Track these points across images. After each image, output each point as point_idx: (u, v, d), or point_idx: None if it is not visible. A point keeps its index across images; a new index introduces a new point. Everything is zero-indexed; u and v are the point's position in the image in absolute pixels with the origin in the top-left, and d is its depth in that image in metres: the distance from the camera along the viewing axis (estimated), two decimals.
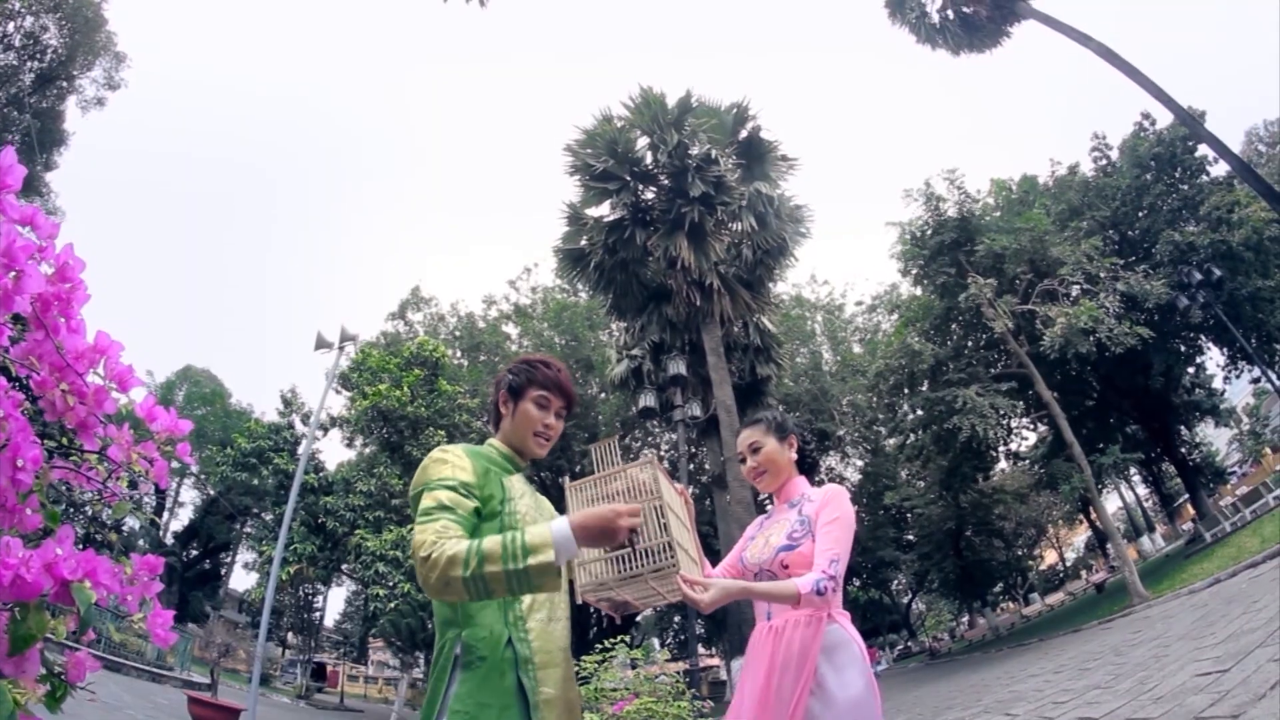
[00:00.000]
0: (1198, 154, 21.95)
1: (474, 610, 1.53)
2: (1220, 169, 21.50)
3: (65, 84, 26.84)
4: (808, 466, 2.33)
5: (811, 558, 1.99)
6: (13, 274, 0.97)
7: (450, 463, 1.60)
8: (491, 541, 1.35)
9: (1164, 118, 21.54)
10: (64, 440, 1.21)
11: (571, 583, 1.67)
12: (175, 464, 1.29)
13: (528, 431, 1.79)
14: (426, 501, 1.50)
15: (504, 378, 1.86)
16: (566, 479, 1.80)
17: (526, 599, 1.60)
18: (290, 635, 42.17)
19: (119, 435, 1.18)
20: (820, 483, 2.32)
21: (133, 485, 1.24)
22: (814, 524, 2.04)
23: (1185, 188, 22.54)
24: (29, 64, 25.62)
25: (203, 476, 36.25)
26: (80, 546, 1.06)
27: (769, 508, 2.33)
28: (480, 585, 1.34)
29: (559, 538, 1.36)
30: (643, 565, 1.57)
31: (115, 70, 27.54)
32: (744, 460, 2.30)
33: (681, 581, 1.63)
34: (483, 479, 1.62)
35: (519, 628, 1.55)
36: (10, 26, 24.62)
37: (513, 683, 1.49)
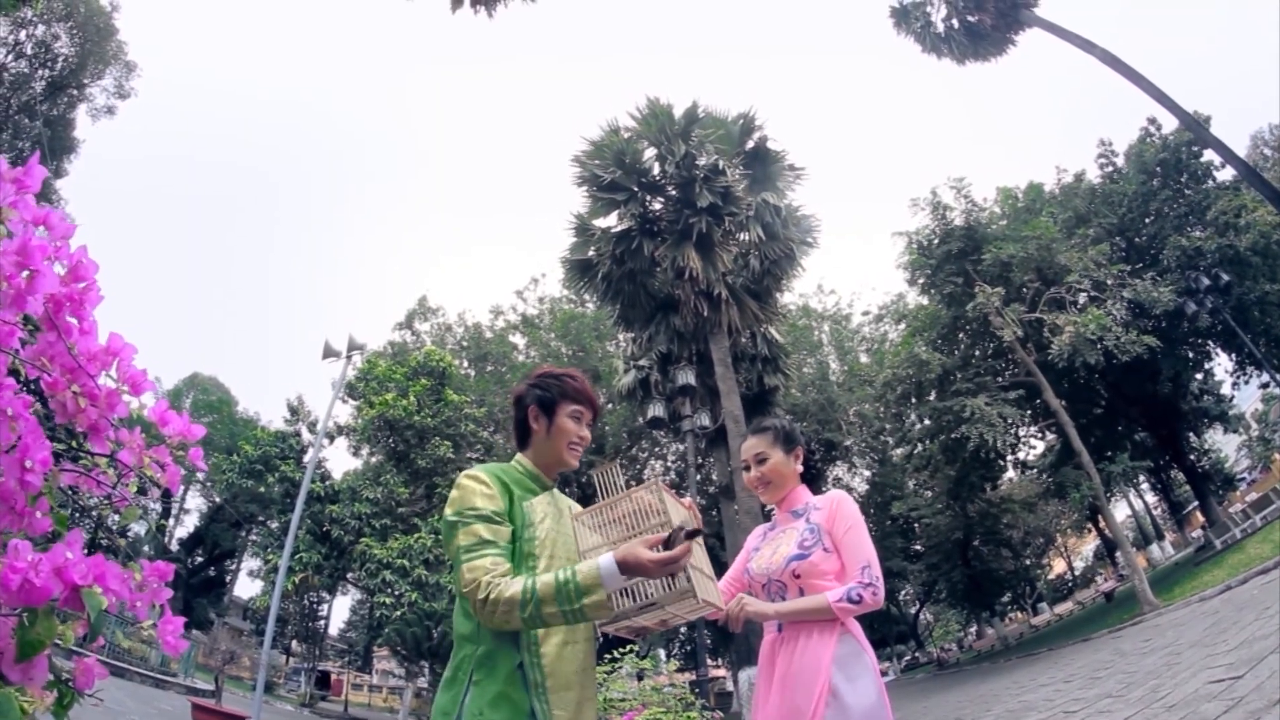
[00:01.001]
0: (1204, 159, 21.92)
1: (493, 630, 1.54)
2: (1226, 174, 21.47)
3: (76, 92, 27.09)
4: (811, 476, 2.30)
5: (823, 566, 1.98)
6: (26, 273, 0.96)
7: (481, 491, 1.64)
8: (545, 586, 1.44)
9: (1169, 123, 21.51)
10: (73, 443, 1.20)
11: None
12: (184, 469, 1.28)
13: (564, 445, 1.82)
14: (467, 537, 1.56)
15: (529, 392, 1.86)
16: (574, 505, 1.85)
17: None
18: (295, 643, 42.23)
19: (130, 439, 1.17)
20: (826, 491, 2.29)
21: (142, 491, 1.23)
22: (824, 533, 2.02)
23: (1191, 193, 22.50)
24: (40, 72, 25.91)
25: (208, 483, 36.32)
26: (86, 551, 1.05)
27: (774, 517, 2.30)
28: (538, 623, 1.47)
29: (607, 575, 1.45)
30: (660, 592, 1.56)
31: (125, 79, 27.81)
32: (748, 468, 2.26)
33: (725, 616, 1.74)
34: (508, 504, 1.67)
35: (533, 651, 1.56)
36: (22, 34, 24.87)
37: (526, 704, 1.51)
